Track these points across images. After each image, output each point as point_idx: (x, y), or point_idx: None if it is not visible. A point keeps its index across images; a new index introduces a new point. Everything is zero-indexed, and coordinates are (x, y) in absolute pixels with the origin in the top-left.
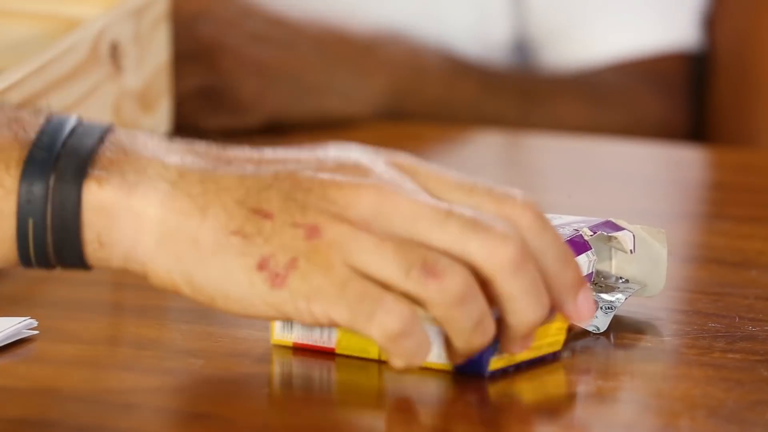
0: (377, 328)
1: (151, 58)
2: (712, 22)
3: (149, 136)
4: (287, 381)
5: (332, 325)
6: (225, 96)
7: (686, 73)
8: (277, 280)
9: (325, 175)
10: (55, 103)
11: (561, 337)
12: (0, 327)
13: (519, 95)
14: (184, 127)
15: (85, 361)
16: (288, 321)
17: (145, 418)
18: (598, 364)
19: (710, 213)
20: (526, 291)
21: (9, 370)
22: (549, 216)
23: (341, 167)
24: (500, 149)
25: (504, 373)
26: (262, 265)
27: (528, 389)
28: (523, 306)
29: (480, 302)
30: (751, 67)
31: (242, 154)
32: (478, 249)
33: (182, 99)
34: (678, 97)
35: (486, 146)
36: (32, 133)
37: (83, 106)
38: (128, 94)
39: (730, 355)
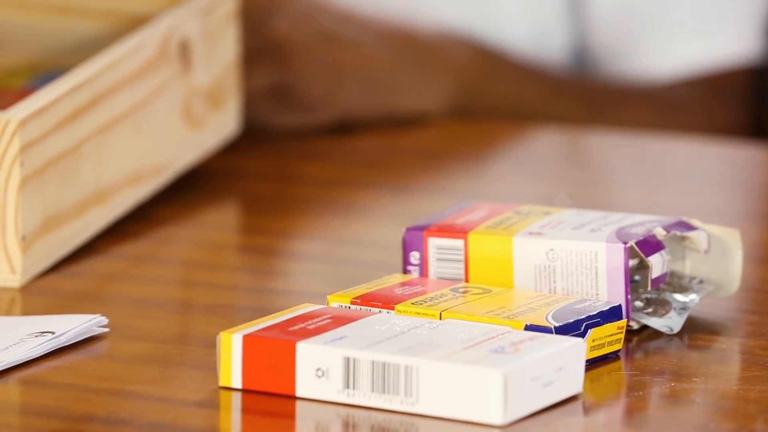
0: None
1: (221, 56)
2: None
3: None
4: None
5: None
6: (295, 94)
7: (750, 83)
8: None
9: None
10: (124, 101)
11: (621, 336)
12: (70, 324)
13: (584, 99)
14: (253, 124)
15: (154, 359)
16: None
17: (213, 416)
18: (672, 365)
19: None
20: None
21: (79, 368)
22: (623, 215)
23: None
24: (565, 147)
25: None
26: None
27: (599, 389)
28: None
29: None
30: None
31: None
32: None
33: (252, 97)
34: (744, 108)
35: (551, 143)
36: None
37: (152, 104)
38: (197, 91)
39: None
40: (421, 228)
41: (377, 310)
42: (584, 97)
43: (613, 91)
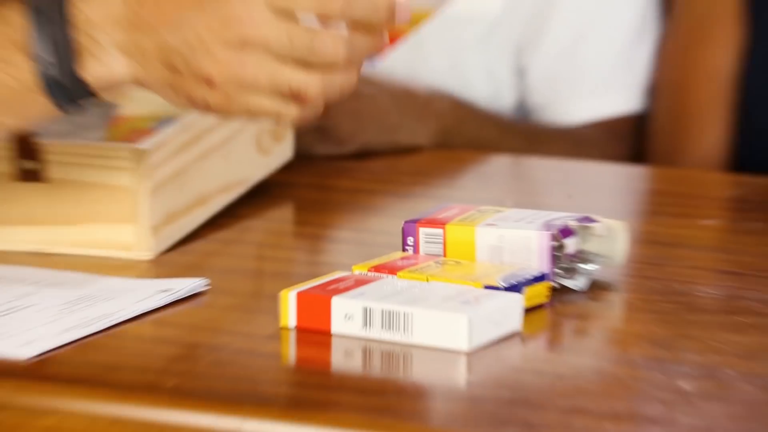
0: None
1: None
2: (650, 90)
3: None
4: None
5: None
6: (330, 132)
7: (634, 126)
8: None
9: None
10: (217, 136)
11: (547, 292)
12: (183, 285)
13: (525, 138)
14: (301, 152)
15: (238, 308)
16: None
17: (277, 345)
18: (579, 311)
19: (653, 210)
20: None
21: (189, 313)
22: (548, 213)
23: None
24: (510, 169)
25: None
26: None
27: (531, 326)
28: None
29: None
30: (677, 121)
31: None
32: None
33: (300, 134)
34: (629, 144)
35: (501, 166)
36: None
37: (236, 139)
38: (265, 130)
39: (665, 305)
40: (414, 221)
41: (385, 275)
42: (524, 135)
43: (544, 132)
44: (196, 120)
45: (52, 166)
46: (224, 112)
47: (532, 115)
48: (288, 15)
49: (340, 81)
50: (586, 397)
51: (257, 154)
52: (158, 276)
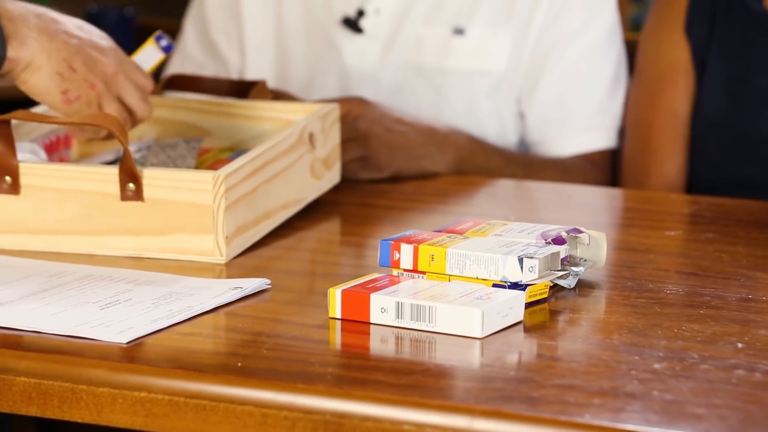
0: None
1: (330, 141)
2: (622, 130)
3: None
4: None
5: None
6: (371, 161)
7: (610, 158)
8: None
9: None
10: (280, 164)
11: (547, 290)
12: (251, 283)
13: (524, 166)
14: (347, 177)
15: (295, 302)
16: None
17: (326, 333)
18: (569, 305)
19: (627, 224)
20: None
21: (255, 306)
22: (544, 225)
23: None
24: (513, 191)
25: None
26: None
27: (532, 318)
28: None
29: None
30: (643, 153)
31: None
32: None
33: (346, 163)
34: (606, 172)
35: (506, 189)
36: None
37: (295, 167)
38: (318, 160)
39: (640, 300)
40: (441, 230)
41: (415, 275)
42: (524, 164)
43: (539, 161)
44: (263, 152)
45: (149, 188)
46: (77, 110)
47: (531, 149)
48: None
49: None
50: (578, 376)
51: (311, 178)
52: (230, 276)
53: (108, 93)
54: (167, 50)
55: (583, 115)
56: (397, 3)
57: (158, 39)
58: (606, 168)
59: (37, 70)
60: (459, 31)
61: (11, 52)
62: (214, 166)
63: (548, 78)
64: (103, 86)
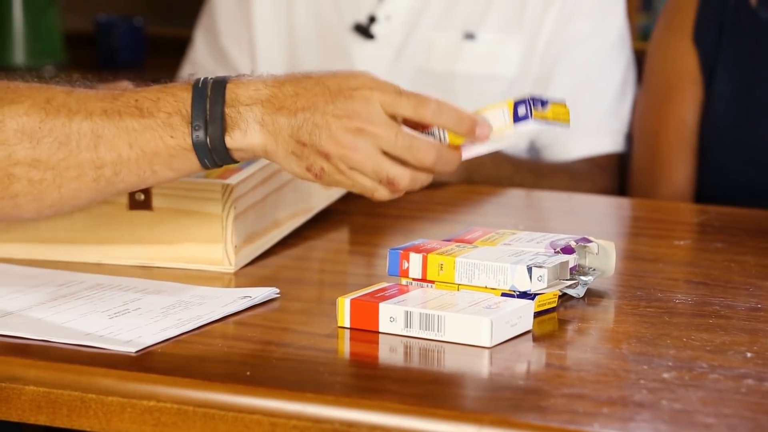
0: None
1: None
2: (629, 135)
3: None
4: None
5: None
6: None
7: (617, 163)
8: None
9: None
10: (287, 176)
11: (555, 299)
12: (259, 292)
13: (533, 172)
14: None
15: (304, 311)
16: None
17: (335, 341)
18: (578, 314)
19: (636, 233)
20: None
21: (264, 315)
22: (553, 235)
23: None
24: (522, 199)
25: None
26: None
27: (541, 327)
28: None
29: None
30: (651, 162)
31: (293, 104)
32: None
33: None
34: (614, 177)
35: (515, 198)
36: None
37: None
38: None
39: (649, 309)
40: (450, 240)
41: (423, 284)
42: (532, 170)
43: (547, 167)
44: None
45: (157, 197)
46: (331, 182)
47: (541, 152)
48: (395, 118)
49: (423, 178)
50: (587, 385)
51: (320, 188)
52: (239, 285)
53: (342, 162)
54: (518, 119)
55: (593, 118)
56: (408, 9)
57: (518, 105)
58: (614, 172)
59: (274, 156)
60: (470, 36)
61: (230, 142)
62: (223, 175)
63: (558, 82)
64: (338, 152)
